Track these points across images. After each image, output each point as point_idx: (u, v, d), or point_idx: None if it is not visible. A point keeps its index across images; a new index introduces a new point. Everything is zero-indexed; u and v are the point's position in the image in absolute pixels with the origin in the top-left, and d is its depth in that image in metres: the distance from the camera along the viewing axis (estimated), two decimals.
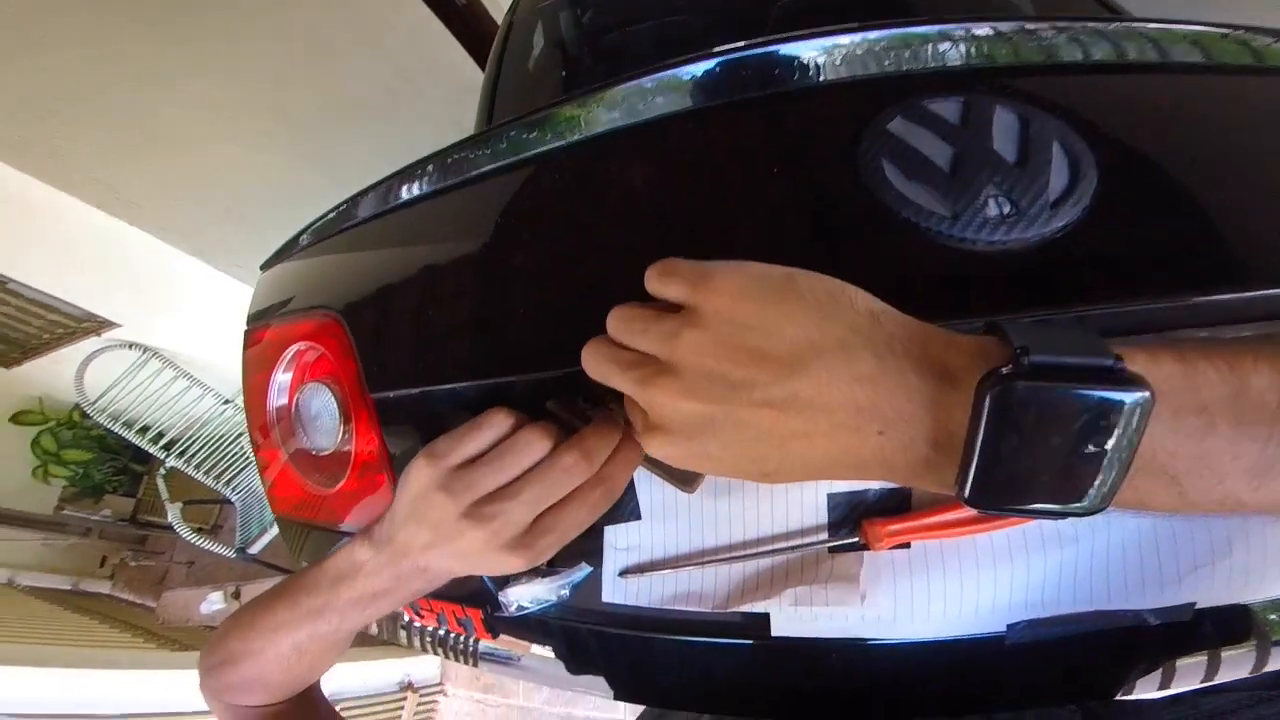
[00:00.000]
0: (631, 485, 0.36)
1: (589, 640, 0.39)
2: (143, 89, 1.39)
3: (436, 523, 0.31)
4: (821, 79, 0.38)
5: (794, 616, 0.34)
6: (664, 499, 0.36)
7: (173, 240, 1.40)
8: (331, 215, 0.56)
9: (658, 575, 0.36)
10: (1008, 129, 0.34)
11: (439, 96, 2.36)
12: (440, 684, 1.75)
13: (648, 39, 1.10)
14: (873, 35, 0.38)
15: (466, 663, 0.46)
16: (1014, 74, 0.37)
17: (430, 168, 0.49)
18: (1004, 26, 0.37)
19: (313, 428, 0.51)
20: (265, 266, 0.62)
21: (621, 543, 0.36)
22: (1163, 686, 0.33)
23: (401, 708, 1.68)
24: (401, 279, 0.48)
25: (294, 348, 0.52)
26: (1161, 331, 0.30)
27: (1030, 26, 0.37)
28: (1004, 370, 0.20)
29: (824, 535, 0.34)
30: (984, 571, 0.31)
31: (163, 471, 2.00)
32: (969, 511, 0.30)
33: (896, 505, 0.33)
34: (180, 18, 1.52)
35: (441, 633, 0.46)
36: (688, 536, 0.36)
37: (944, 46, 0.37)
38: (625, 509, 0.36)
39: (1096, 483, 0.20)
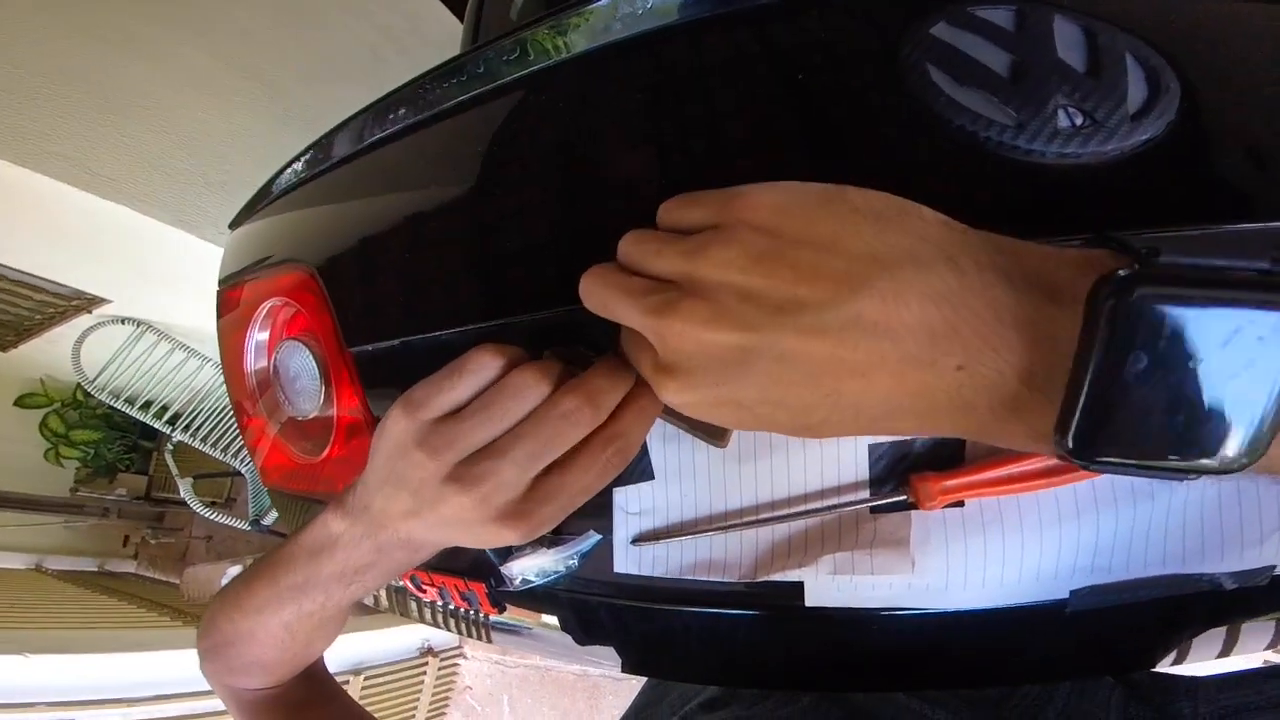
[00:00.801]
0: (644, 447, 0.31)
1: (601, 614, 0.36)
2: (105, 57, 1.32)
3: (416, 486, 0.25)
4: None
5: (831, 585, 0.29)
6: (680, 455, 0.31)
7: (152, 212, 1.33)
8: (296, 164, 0.51)
9: (675, 542, 0.31)
10: (1072, 39, 0.29)
11: (421, 51, 2.26)
12: (459, 646, 1.78)
13: None
14: None
15: (478, 637, 0.43)
16: None
17: (397, 103, 0.43)
18: None
19: (293, 390, 0.47)
20: (234, 225, 0.58)
21: (633, 506, 0.32)
22: (1223, 654, 0.29)
23: (424, 672, 1.72)
24: (376, 225, 0.43)
25: (268, 304, 0.48)
26: None
27: None
28: (1126, 274, 0.15)
29: (866, 494, 0.29)
30: (1047, 532, 0.27)
31: (170, 446, 2.00)
32: (1034, 463, 0.26)
33: (949, 456, 0.28)
34: None
35: (450, 607, 0.43)
36: (708, 498, 0.31)
37: None
38: (636, 467, 0.31)
39: (1247, 427, 0.15)
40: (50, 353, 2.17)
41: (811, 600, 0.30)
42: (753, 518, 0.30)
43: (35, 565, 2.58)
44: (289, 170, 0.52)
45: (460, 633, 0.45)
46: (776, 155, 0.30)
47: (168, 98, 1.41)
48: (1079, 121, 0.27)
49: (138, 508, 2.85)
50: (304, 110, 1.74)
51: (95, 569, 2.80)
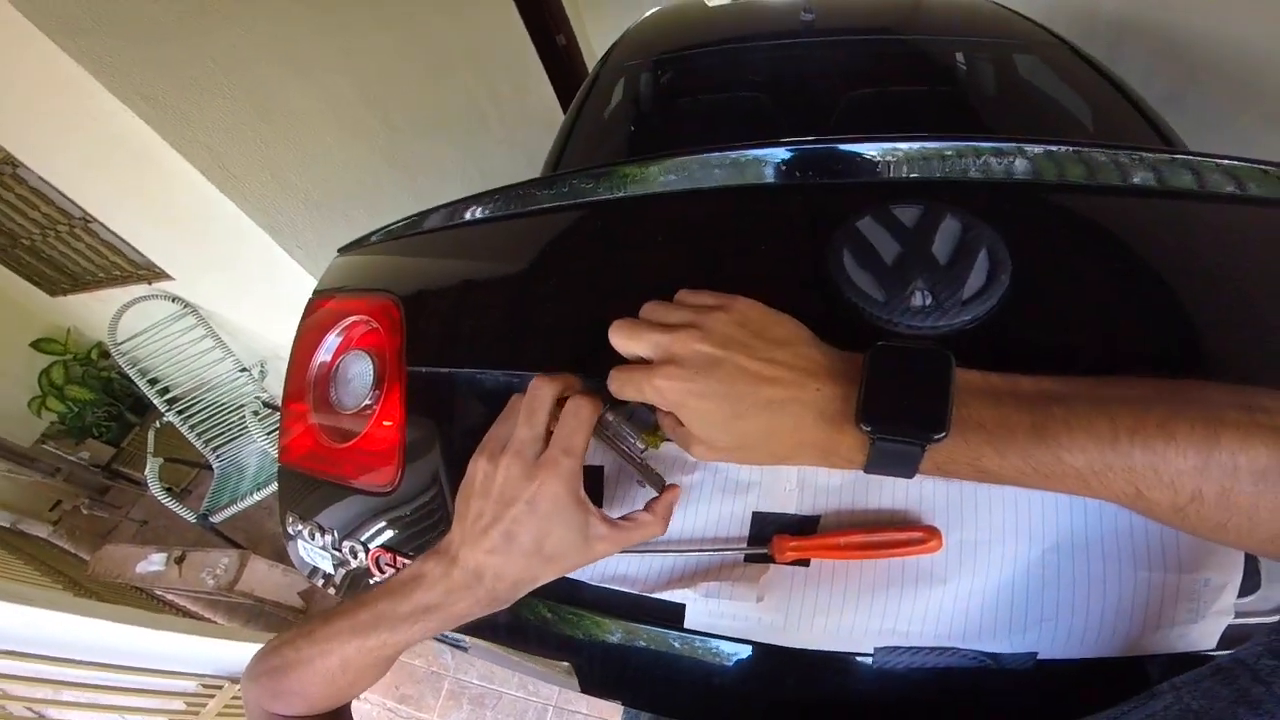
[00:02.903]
0: (600, 479, 0.44)
1: (529, 614, 0.45)
2: (275, 69, 1.59)
3: (482, 488, 0.36)
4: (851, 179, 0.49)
5: (704, 610, 0.40)
6: (626, 496, 0.44)
7: (253, 214, 1.51)
8: (407, 220, 0.67)
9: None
10: (950, 234, 0.43)
11: (519, 125, 2.64)
12: None
13: (715, 110, 1.28)
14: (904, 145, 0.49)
15: None
16: (985, 189, 0.47)
17: (498, 197, 0.61)
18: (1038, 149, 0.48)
19: (344, 388, 0.59)
20: (343, 251, 0.73)
21: None
22: None
23: None
24: (456, 281, 0.58)
25: (351, 318, 0.61)
26: None
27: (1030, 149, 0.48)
28: (879, 343, 0.33)
29: (743, 544, 0.41)
30: (863, 594, 0.38)
31: (157, 425, 2.06)
32: (859, 538, 0.38)
33: (805, 528, 0.40)
34: (334, 5, 1.78)
35: None
36: None
37: (999, 161, 0.47)
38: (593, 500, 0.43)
39: (940, 408, 0.30)
40: (93, 309, 2.32)
41: (690, 622, 0.40)
42: (662, 548, 0.42)
43: None
44: (398, 223, 0.68)
45: None
46: (737, 282, 0.44)
47: (308, 118, 1.67)
48: (927, 302, 0.41)
49: (91, 475, 2.82)
50: (408, 157, 2.02)
51: (7, 524, 2.70)
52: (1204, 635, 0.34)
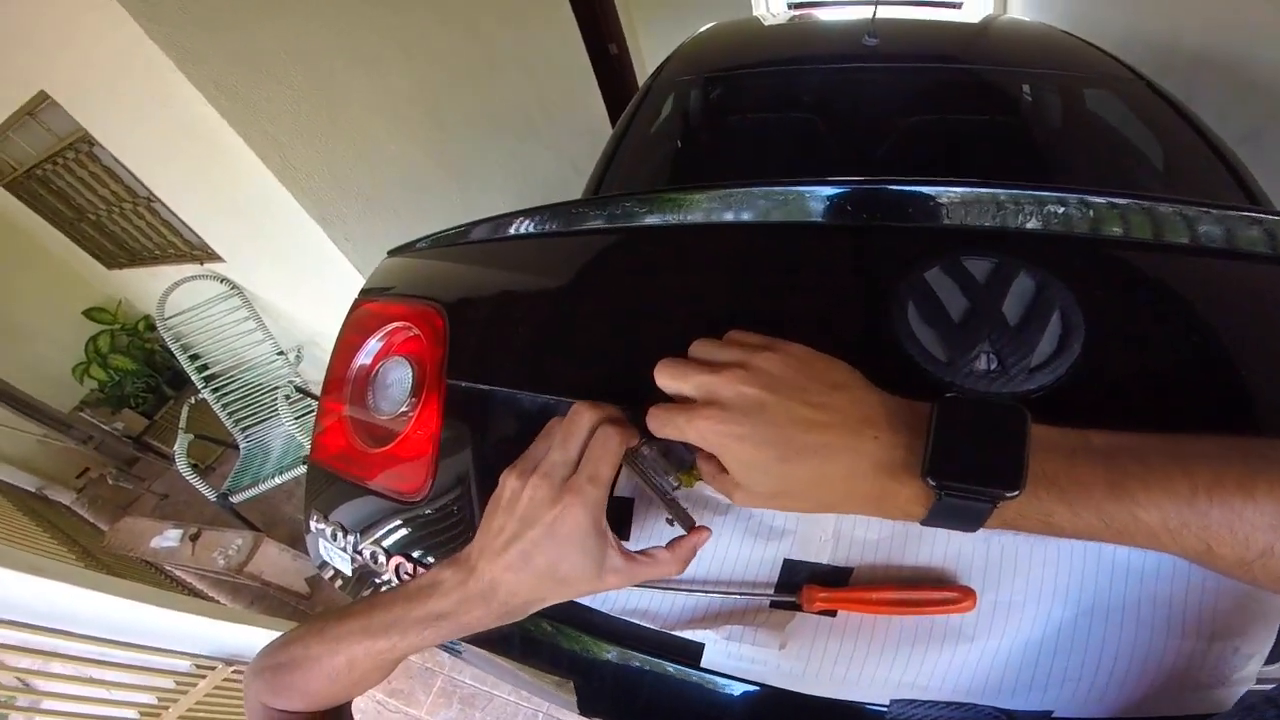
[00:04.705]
0: (630, 511, 0.44)
1: (536, 631, 0.46)
2: (340, 64, 1.66)
3: (507, 504, 0.36)
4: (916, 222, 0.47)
5: (723, 651, 0.41)
6: (652, 531, 0.44)
7: (305, 203, 1.58)
8: (457, 229, 0.69)
9: (624, 589, 0.43)
10: (1022, 292, 0.42)
11: (566, 132, 2.69)
12: None
13: (765, 130, 1.27)
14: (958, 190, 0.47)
15: None
16: (1061, 242, 0.45)
17: (547, 214, 0.62)
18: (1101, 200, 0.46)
19: (382, 394, 0.60)
20: (393, 253, 0.75)
21: None
22: None
23: None
24: (503, 295, 0.58)
25: (395, 324, 0.63)
26: None
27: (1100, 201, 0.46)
28: (949, 394, 0.32)
29: (770, 590, 0.41)
30: (887, 647, 0.38)
31: (192, 400, 2.15)
32: (891, 594, 0.38)
33: (836, 580, 0.40)
34: (405, 3, 1.85)
35: None
36: None
37: (1051, 209, 0.45)
38: (620, 531, 0.43)
39: (1015, 465, 0.29)
40: (145, 283, 2.44)
41: (707, 661, 0.41)
42: (686, 586, 0.42)
43: None
44: (454, 230, 0.69)
45: None
46: (788, 322, 0.44)
47: (366, 114, 1.74)
48: (992, 366, 0.40)
49: (121, 446, 2.95)
50: (457, 158, 2.08)
51: (33, 489, 2.82)
52: (1222, 699, 0.34)
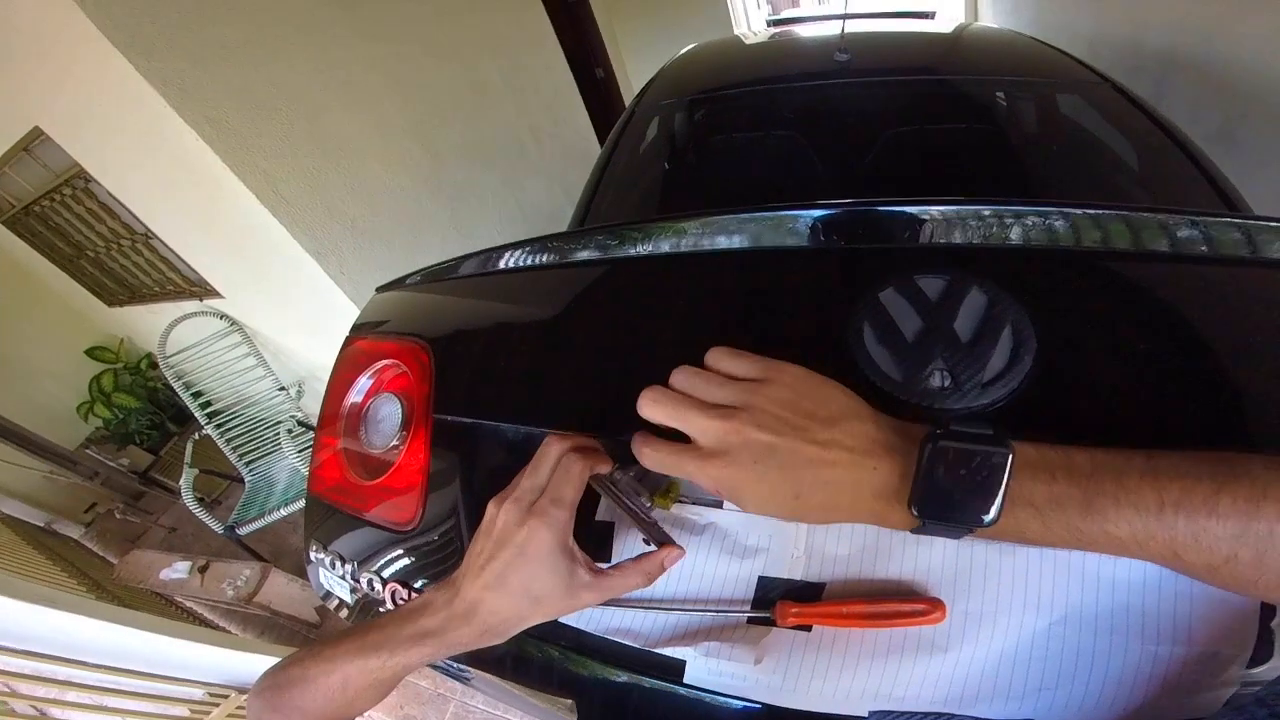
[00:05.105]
0: (610, 533, 0.46)
1: (534, 651, 0.48)
2: (329, 96, 1.70)
3: (486, 528, 0.39)
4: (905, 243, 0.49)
5: (703, 667, 0.42)
6: (632, 552, 0.45)
7: (299, 237, 1.61)
8: (444, 265, 0.72)
9: (606, 608, 0.45)
10: (975, 308, 0.43)
11: (557, 157, 2.73)
12: None
13: (750, 150, 1.30)
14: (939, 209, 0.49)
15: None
16: (1019, 257, 0.46)
17: (529, 247, 0.65)
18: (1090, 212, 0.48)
19: (374, 429, 0.63)
20: (381, 289, 0.79)
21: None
22: None
23: None
24: (484, 331, 0.62)
25: (383, 361, 0.66)
26: None
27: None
28: (937, 431, 0.34)
29: (746, 607, 0.43)
30: (862, 660, 0.39)
31: (196, 436, 2.18)
32: (862, 607, 0.40)
33: (810, 595, 0.42)
34: (394, 34, 1.91)
35: None
36: None
37: (1046, 222, 0.47)
38: (600, 553, 0.46)
39: (992, 501, 0.32)
40: (146, 320, 2.49)
41: (689, 678, 0.42)
42: (667, 604, 0.44)
43: None
44: (437, 266, 0.73)
45: None
46: (760, 342, 0.45)
47: (357, 145, 1.78)
48: (946, 383, 0.42)
49: (128, 481, 2.98)
50: (450, 187, 2.12)
51: (42, 524, 2.84)
52: (1207, 703, 0.35)
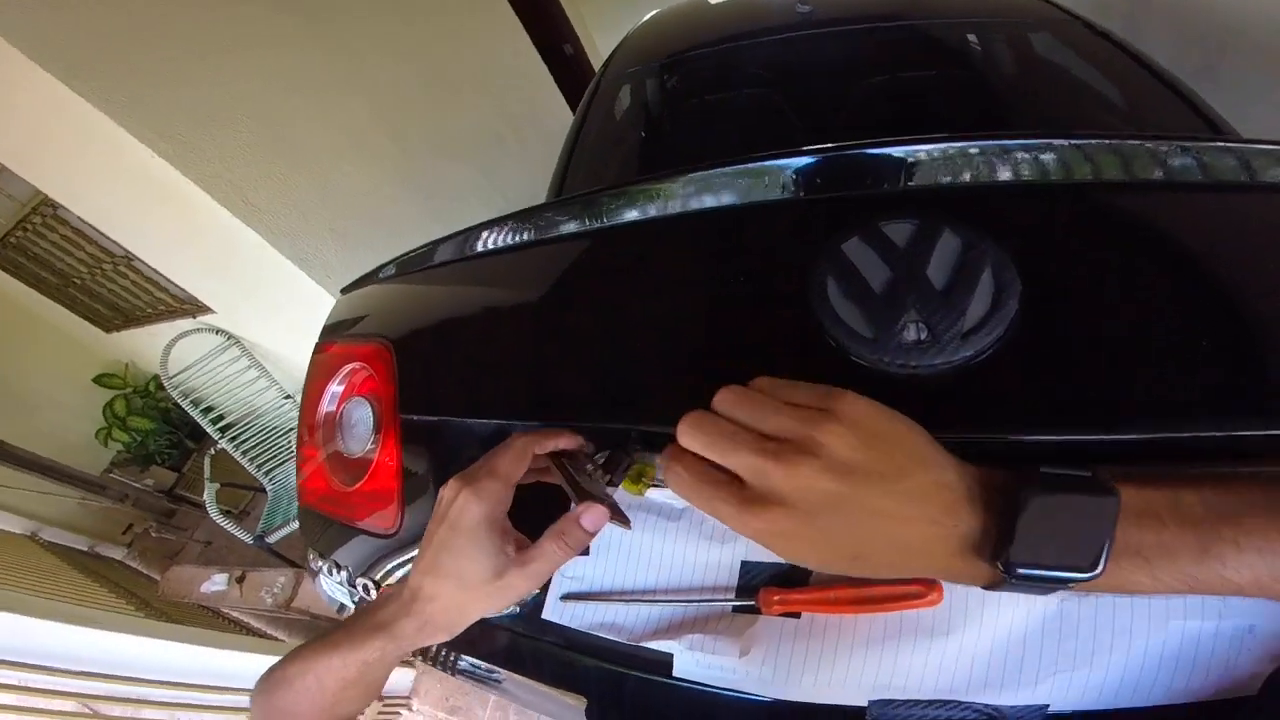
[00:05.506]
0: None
1: (525, 649, 0.47)
2: (286, 99, 1.66)
3: (437, 512, 0.38)
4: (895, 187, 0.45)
5: (692, 661, 0.40)
6: (610, 541, 0.44)
7: (278, 245, 1.60)
8: (396, 260, 0.70)
9: (591, 604, 0.44)
10: (948, 252, 0.39)
11: (537, 143, 2.66)
12: (408, 697, 1.79)
13: (722, 110, 1.26)
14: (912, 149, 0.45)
15: (447, 671, 0.53)
16: (998, 195, 0.42)
17: (476, 234, 0.62)
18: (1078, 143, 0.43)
19: (349, 434, 0.63)
20: (345, 290, 0.77)
21: (571, 572, 0.45)
22: None
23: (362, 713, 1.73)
24: (446, 325, 0.60)
25: (350, 365, 0.65)
26: None
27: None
28: (1029, 480, 0.29)
29: (731, 594, 0.41)
30: (856, 647, 0.37)
31: (212, 451, 2.22)
32: (850, 592, 0.37)
33: (796, 578, 0.40)
34: (344, 33, 1.85)
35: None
36: (624, 575, 0.44)
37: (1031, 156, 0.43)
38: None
39: (1095, 553, 0.27)
40: (145, 343, 2.51)
41: (678, 671, 0.41)
42: (649, 596, 0.43)
43: (31, 533, 2.73)
44: (392, 263, 0.71)
45: (425, 664, 0.54)
46: (710, 339, 0.44)
47: (324, 146, 1.74)
48: (922, 336, 0.37)
49: (156, 500, 3.07)
50: (427, 181, 2.08)
51: (85, 549, 2.94)
52: (1245, 682, 0.31)
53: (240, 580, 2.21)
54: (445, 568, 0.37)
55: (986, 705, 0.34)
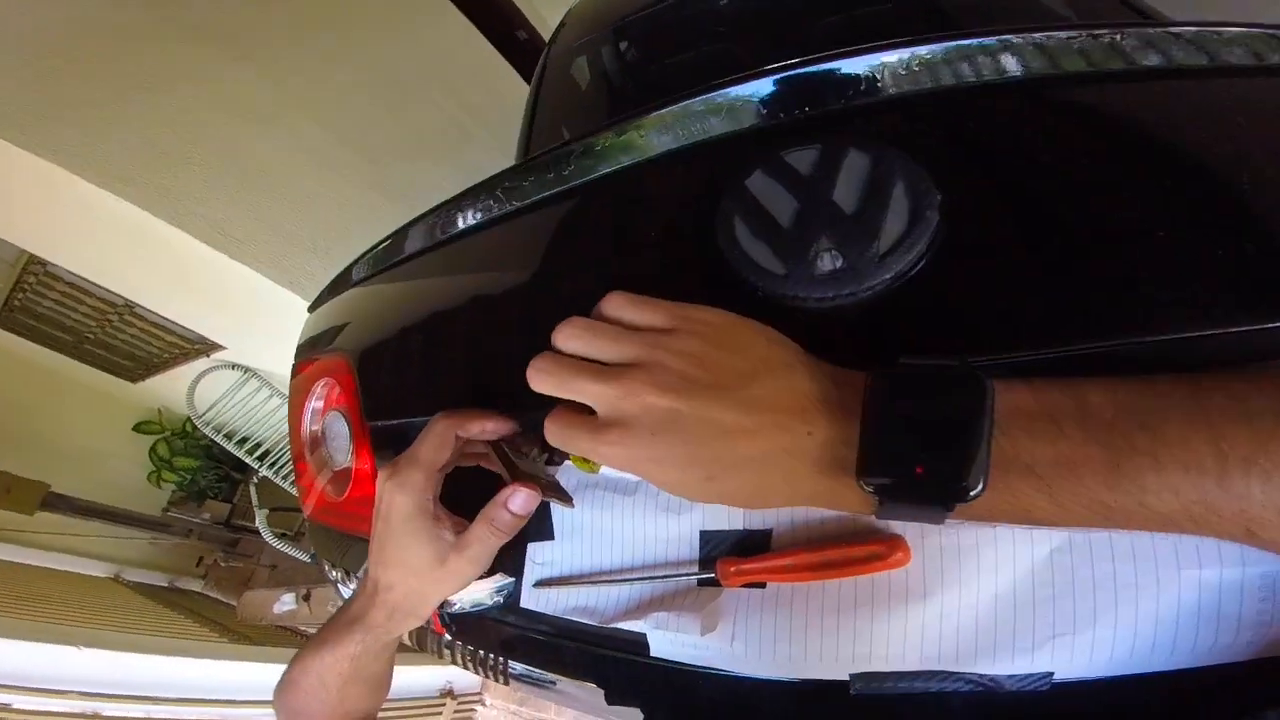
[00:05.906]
0: (547, 509, 0.44)
1: (522, 639, 0.48)
2: (235, 126, 1.66)
3: (374, 507, 0.39)
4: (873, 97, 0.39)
5: (665, 640, 0.38)
6: (572, 522, 0.44)
7: (267, 273, 1.62)
8: (339, 273, 0.69)
9: (563, 589, 0.43)
10: (856, 172, 0.35)
11: (503, 128, 2.60)
12: (480, 693, 1.89)
13: (691, 68, 1.18)
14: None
15: (499, 680, 0.53)
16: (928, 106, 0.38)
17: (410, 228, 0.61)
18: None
19: (334, 447, 0.64)
20: (311, 309, 0.78)
21: (539, 558, 0.45)
22: None
23: (439, 713, 1.83)
24: (398, 328, 0.60)
25: (322, 381, 0.66)
26: None
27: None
28: (882, 370, 0.27)
29: (694, 569, 0.38)
30: (827, 616, 0.33)
31: (255, 480, 2.31)
32: (806, 557, 0.34)
33: (757, 545, 0.37)
34: (278, 55, 1.84)
35: (480, 654, 0.52)
36: (591, 557, 0.43)
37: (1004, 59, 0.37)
38: (541, 528, 0.45)
39: (964, 464, 0.24)
40: (170, 387, 2.60)
41: (655, 651, 0.39)
42: (616, 576, 0.42)
43: (114, 575, 2.95)
44: (338, 275, 0.71)
45: (478, 673, 0.54)
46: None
47: (286, 167, 1.74)
48: (838, 265, 0.33)
49: (217, 532, 3.24)
50: (399, 185, 2.07)
51: (166, 584, 3.16)
52: (1276, 640, 0.27)
53: (307, 598, 2.33)
54: (391, 558, 0.38)
55: (981, 675, 0.30)
